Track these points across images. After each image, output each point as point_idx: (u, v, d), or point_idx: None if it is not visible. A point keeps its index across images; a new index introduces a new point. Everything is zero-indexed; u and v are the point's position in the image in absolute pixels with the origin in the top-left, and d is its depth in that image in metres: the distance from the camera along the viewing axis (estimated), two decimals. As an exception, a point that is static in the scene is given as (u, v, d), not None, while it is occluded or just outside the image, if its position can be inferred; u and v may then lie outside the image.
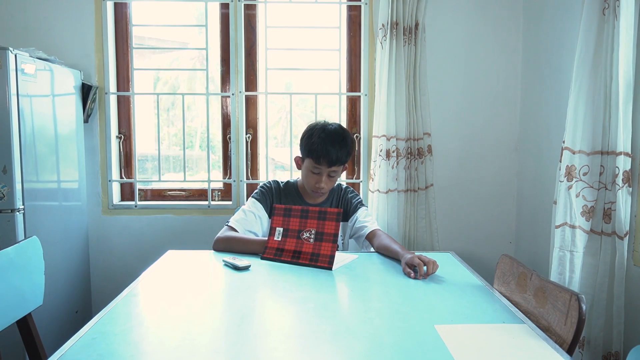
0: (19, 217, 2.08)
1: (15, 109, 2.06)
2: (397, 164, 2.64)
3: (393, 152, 2.63)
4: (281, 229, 1.92)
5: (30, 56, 2.20)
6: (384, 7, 2.59)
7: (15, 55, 2.05)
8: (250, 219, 2.08)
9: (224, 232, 2.02)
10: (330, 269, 1.76)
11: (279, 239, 1.90)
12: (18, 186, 2.07)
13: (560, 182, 1.94)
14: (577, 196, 1.90)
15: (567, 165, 1.91)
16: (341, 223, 2.15)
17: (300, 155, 2.12)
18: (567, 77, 2.08)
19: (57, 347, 1.15)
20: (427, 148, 2.71)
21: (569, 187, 1.90)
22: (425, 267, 1.68)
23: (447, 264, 1.89)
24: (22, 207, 2.10)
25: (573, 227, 1.90)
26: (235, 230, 2.03)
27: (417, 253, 1.78)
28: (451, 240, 2.83)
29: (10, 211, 2.05)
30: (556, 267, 1.94)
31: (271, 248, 1.88)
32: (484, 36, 2.79)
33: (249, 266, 1.76)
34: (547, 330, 1.37)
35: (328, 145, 1.98)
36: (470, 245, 2.83)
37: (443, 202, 2.82)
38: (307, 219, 1.92)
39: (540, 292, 1.47)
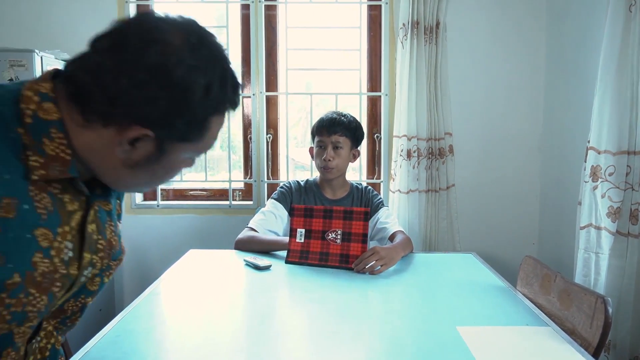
0: (45, 216, 2.12)
1: (41, 110, 2.09)
2: (418, 164, 2.63)
3: (414, 152, 2.61)
4: (303, 230, 1.87)
5: (56, 58, 2.24)
6: (404, 6, 2.57)
7: (41, 57, 2.09)
8: (270, 220, 2.09)
9: (244, 233, 2.03)
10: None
11: (302, 241, 1.86)
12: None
13: (585, 182, 1.91)
14: (602, 197, 1.86)
15: (592, 166, 1.87)
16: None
17: (312, 145, 2.19)
18: (592, 75, 2.04)
19: (82, 344, 1.17)
20: (448, 148, 2.68)
21: (594, 188, 1.87)
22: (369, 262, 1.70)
23: (469, 265, 1.88)
24: (48, 206, 2.14)
25: (598, 228, 1.87)
26: (256, 232, 2.04)
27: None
28: (473, 241, 2.79)
29: (36, 210, 2.09)
30: (581, 269, 1.91)
31: (295, 251, 1.84)
32: (506, 34, 2.75)
33: (270, 266, 1.76)
34: (572, 333, 1.34)
35: (326, 117, 2.13)
36: (492, 246, 2.80)
37: (464, 203, 2.79)
38: (331, 219, 1.87)
39: (564, 295, 1.45)
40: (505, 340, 1.21)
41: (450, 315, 1.35)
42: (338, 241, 1.83)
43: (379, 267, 1.71)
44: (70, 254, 0.79)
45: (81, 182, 0.80)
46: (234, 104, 0.83)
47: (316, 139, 2.14)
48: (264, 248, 1.95)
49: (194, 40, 0.75)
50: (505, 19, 2.74)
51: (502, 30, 2.74)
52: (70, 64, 0.77)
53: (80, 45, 2.73)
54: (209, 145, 0.84)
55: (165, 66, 0.72)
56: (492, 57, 2.76)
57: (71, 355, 1.14)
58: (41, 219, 0.73)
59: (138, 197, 2.87)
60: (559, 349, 1.17)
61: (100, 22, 2.78)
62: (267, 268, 1.75)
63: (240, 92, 0.83)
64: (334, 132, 2.08)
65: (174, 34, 0.75)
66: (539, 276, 1.61)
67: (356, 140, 2.15)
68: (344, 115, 2.14)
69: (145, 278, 2.52)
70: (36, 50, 2.06)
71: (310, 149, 2.20)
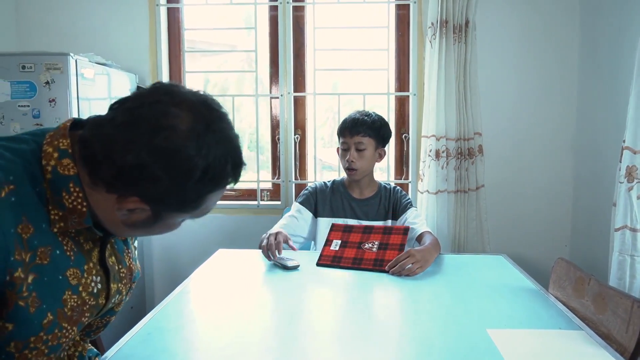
0: (79, 215, 2.17)
1: (76, 112, 2.15)
2: (447, 164, 2.60)
3: (443, 152, 2.59)
4: (339, 241, 1.91)
5: (90, 61, 2.29)
6: (433, 5, 2.55)
7: (76, 61, 2.14)
8: (294, 223, 2.10)
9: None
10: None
11: (336, 249, 1.87)
12: (78, 186, 2.16)
13: (620, 183, 1.85)
14: (638, 198, 1.81)
15: (628, 166, 1.82)
16: (390, 221, 2.14)
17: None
18: (627, 73, 1.99)
19: (114, 341, 1.20)
20: (477, 148, 2.65)
21: (630, 189, 1.82)
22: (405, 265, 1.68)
23: (499, 266, 1.85)
24: (82, 205, 2.19)
25: (634, 230, 1.82)
26: None
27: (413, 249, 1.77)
28: (503, 243, 2.75)
29: (70, 210, 2.14)
30: (615, 271, 1.86)
31: (327, 256, 1.85)
32: (537, 32, 2.70)
33: (298, 266, 1.76)
34: (607, 337, 1.31)
35: (349, 118, 2.10)
36: (523, 248, 2.75)
37: (494, 204, 2.75)
38: (370, 234, 1.92)
39: (599, 298, 1.42)
40: (537, 343, 1.18)
41: (481, 317, 1.33)
42: (374, 249, 1.83)
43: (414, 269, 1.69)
44: (100, 286, 0.88)
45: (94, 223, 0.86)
46: (233, 180, 0.86)
47: (340, 139, 2.13)
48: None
49: (201, 127, 0.79)
50: (536, 16, 2.69)
51: (533, 27, 2.70)
52: (89, 128, 0.81)
53: (112, 48, 2.81)
54: (204, 213, 0.88)
55: (169, 151, 0.76)
56: (523, 55, 2.71)
57: (104, 352, 1.17)
58: (71, 260, 0.82)
59: (168, 197, 2.92)
60: (594, 353, 1.14)
61: (132, 25, 2.85)
62: (295, 268, 1.76)
63: (243, 169, 0.87)
64: (357, 132, 2.06)
65: (183, 120, 0.78)
66: (572, 279, 1.58)
67: (381, 139, 2.12)
68: (368, 115, 2.11)
69: (175, 277, 2.55)
70: (71, 54, 2.11)
71: (338, 149, 2.19)
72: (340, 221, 2.11)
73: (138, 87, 2.72)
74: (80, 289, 0.83)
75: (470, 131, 2.63)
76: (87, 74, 2.23)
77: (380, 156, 2.15)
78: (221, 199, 2.88)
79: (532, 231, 2.79)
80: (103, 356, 1.12)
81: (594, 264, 2.46)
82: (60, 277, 0.79)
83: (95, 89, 2.33)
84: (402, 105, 2.88)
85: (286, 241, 1.87)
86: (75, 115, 2.13)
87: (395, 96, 2.86)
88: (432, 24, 2.56)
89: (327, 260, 1.83)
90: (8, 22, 2.79)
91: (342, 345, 1.20)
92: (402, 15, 2.82)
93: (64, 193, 0.78)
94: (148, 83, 2.81)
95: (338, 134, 2.14)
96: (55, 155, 0.79)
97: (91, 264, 0.86)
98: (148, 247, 2.90)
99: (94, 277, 0.86)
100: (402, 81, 2.86)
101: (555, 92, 2.73)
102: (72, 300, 0.82)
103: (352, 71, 2.91)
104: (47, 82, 2.08)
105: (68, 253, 0.81)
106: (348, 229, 1.97)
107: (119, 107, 0.80)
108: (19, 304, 0.73)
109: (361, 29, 2.87)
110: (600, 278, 1.51)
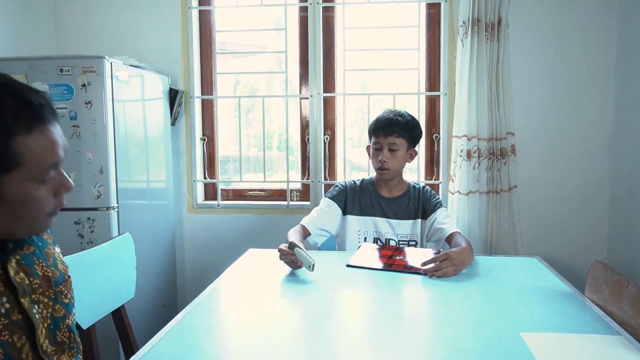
0: (114, 214, 2.22)
1: (111, 113, 2.20)
2: (479, 164, 2.56)
3: (474, 152, 2.55)
4: (371, 252, 1.93)
5: (124, 64, 2.34)
6: (464, 3, 2.52)
7: (111, 63, 2.19)
8: (322, 218, 2.09)
9: (292, 229, 2.02)
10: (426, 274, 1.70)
11: (367, 258, 1.87)
12: (112, 186, 2.21)
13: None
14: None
15: (669, 166, 1.76)
16: (420, 220, 2.13)
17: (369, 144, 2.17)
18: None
19: (147, 339, 1.22)
20: (510, 148, 2.60)
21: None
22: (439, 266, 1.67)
23: (533, 269, 1.81)
24: (116, 205, 2.24)
25: (675, 233, 1.75)
26: (307, 230, 2.04)
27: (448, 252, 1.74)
28: (536, 245, 2.70)
29: (105, 209, 2.20)
30: (655, 275, 1.80)
31: (358, 259, 1.85)
32: (573, 30, 2.63)
33: (313, 265, 1.69)
34: (646, 343, 1.27)
35: (383, 118, 2.09)
36: (557, 251, 2.69)
37: (528, 205, 2.69)
38: (402, 251, 1.95)
39: (638, 302, 1.37)
40: (573, 348, 1.16)
41: (514, 320, 1.31)
42: (405, 259, 1.85)
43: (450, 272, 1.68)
44: (8, 305, 0.88)
45: None
46: (36, 117, 0.84)
47: (373, 139, 2.11)
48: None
49: None
50: (572, 14, 2.62)
51: (568, 25, 2.63)
52: None
53: (146, 50, 2.86)
54: (42, 164, 0.86)
55: None
56: (558, 54, 2.65)
57: (137, 349, 1.19)
58: None
59: (199, 196, 2.96)
60: (633, 359, 1.10)
61: (164, 27, 2.90)
62: (310, 267, 1.68)
63: (34, 95, 0.84)
64: (390, 133, 2.05)
65: None
66: (610, 282, 1.53)
67: (413, 140, 2.11)
68: (401, 115, 2.09)
69: (206, 275, 2.58)
70: (106, 57, 2.16)
71: (368, 148, 2.18)
72: (369, 219, 2.11)
73: (171, 89, 2.78)
74: None
75: (503, 131, 2.59)
76: (121, 76, 2.28)
77: (412, 156, 2.14)
78: (251, 199, 2.91)
79: (567, 233, 2.72)
80: (136, 353, 1.14)
81: (632, 267, 2.38)
82: None
83: (129, 91, 2.38)
84: (432, 105, 2.85)
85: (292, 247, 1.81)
86: (111, 117, 2.18)
87: (426, 96, 2.84)
88: (464, 22, 2.53)
89: (357, 262, 1.83)
90: (47, 27, 2.88)
91: (371, 347, 1.19)
92: (433, 14, 2.79)
93: None
94: (180, 85, 2.86)
95: (370, 133, 2.13)
96: None
97: None
98: (180, 247, 2.95)
99: (0, 299, 0.88)
100: (432, 81, 2.83)
101: (591, 91, 2.66)
102: None
103: (381, 71, 2.90)
104: (84, 85, 2.13)
105: None
106: (380, 247, 2.02)
107: None
108: None
109: (391, 28, 2.85)
110: (639, 281, 1.46)
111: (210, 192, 3.03)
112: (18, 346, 0.89)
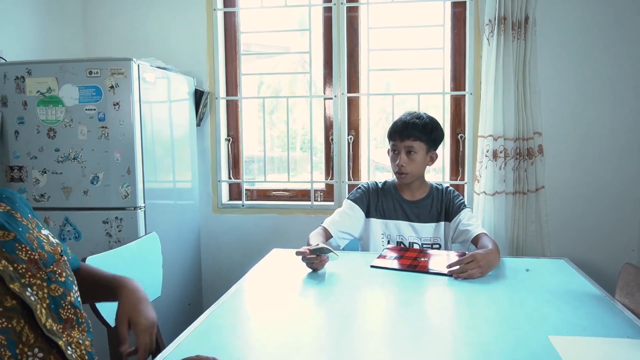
0: (140, 214, 2.26)
1: (138, 115, 2.23)
2: (505, 164, 2.52)
3: (500, 152, 2.52)
4: (394, 254, 1.91)
5: (151, 65, 2.37)
6: (491, 2, 2.49)
7: (138, 65, 2.22)
8: (344, 221, 2.08)
9: (313, 232, 2.01)
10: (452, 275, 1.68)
11: (391, 259, 1.86)
12: (140, 186, 2.25)
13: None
14: None
15: None
16: (443, 223, 2.10)
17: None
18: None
19: (173, 336, 1.24)
20: (537, 148, 2.56)
21: None
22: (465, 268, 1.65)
23: (561, 271, 1.78)
24: (143, 205, 2.27)
25: None
26: (328, 232, 2.02)
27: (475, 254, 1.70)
28: (565, 247, 2.64)
29: (132, 209, 2.23)
30: (690, 279, 1.75)
31: (382, 260, 1.84)
32: (603, 26, 2.57)
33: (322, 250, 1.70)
34: (680, 348, 1.23)
35: (400, 121, 2.04)
36: (586, 252, 2.63)
37: (555, 206, 2.65)
38: (426, 253, 1.93)
39: (671, 306, 1.34)
40: (603, 352, 1.13)
41: (542, 323, 1.29)
42: (429, 261, 1.83)
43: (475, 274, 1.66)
44: None
45: None
46: None
47: (390, 142, 2.07)
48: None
49: None
50: (602, 10, 2.57)
51: (598, 21, 2.58)
52: None
53: (172, 52, 2.90)
54: None
55: None
56: (587, 52, 2.60)
57: (164, 347, 1.20)
58: None
59: (224, 197, 2.99)
60: (666, 365, 1.07)
61: (190, 29, 2.94)
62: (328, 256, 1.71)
63: None
64: (407, 136, 2.00)
65: None
66: (641, 285, 1.50)
67: (433, 142, 2.05)
68: (419, 117, 2.03)
69: (231, 274, 2.60)
70: (133, 59, 2.19)
71: (388, 151, 2.15)
72: (391, 223, 2.09)
73: (196, 90, 2.81)
74: None
75: (530, 131, 2.55)
76: (148, 78, 2.32)
77: (432, 159, 2.09)
78: (275, 199, 2.94)
79: (597, 235, 2.66)
80: (162, 351, 1.16)
81: (664, 271, 2.32)
82: None
83: (155, 93, 2.41)
84: (457, 105, 2.82)
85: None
86: (138, 118, 2.22)
87: (451, 96, 2.81)
88: (490, 21, 2.50)
89: (381, 263, 1.82)
90: (77, 30, 2.94)
91: (396, 348, 1.18)
92: (458, 13, 2.77)
93: None
94: (205, 86, 2.89)
95: (388, 137, 2.09)
96: None
97: None
98: (205, 246, 2.98)
99: None
100: (457, 80, 2.80)
101: (621, 90, 2.59)
102: None
103: (405, 71, 2.88)
104: (112, 87, 2.17)
105: None
106: (404, 249, 1.99)
107: None
108: None
109: (416, 28, 2.83)
110: (672, 285, 1.42)
111: (235, 192, 3.06)
112: (18, 330, 0.93)
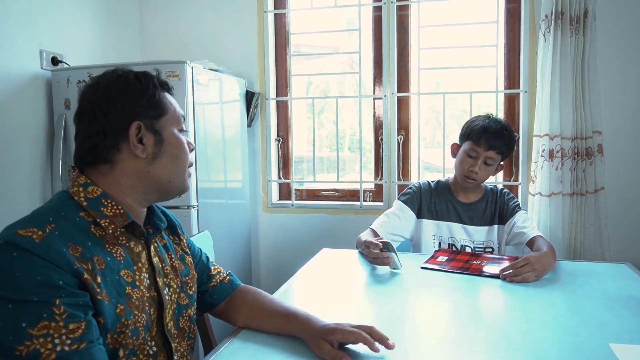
0: (194, 213, 2.31)
1: (192, 116, 2.29)
2: (562, 164, 2.44)
3: (557, 152, 2.43)
4: (445, 257, 1.87)
5: (204, 68, 2.43)
6: (547, -4, 2.41)
7: (192, 68, 2.28)
8: (394, 222, 2.05)
9: (363, 233, 1.98)
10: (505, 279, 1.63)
11: (442, 261, 1.83)
12: (193, 185, 2.31)
13: None
14: None
15: None
16: (497, 226, 2.05)
17: (458, 142, 2.07)
18: None
19: (224, 334, 1.26)
20: (597, 147, 2.45)
21: None
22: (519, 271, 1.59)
23: (622, 276, 1.70)
24: (196, 204, 2.33)
25: None
26: (377, 234, 1.97)
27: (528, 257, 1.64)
28: (626, 251, 2.53)
29: (186, 207, 2.29)
30: None
31: (433, 262, 1.82)
32: (668, 20, 2.45)
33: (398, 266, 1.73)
34: None
35: (490, 128, 1.95)
36: (649, 257, 2.50)
37: (616, 208, 2.53)
38: (479, 257, 1.88)
39: None
40: (669, 362, 1.07)
41: (602, 330, 1.23)
42: (482, 264, 1.78)
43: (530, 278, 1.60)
44: (149, 281, 1.06)
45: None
46: (163, 87, 1.12)
47: (469, 145, 1.98)
48: (362, 249, 1.86)
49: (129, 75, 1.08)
50: (667, 3, 2.44)
51: (663, 15, 2.45)
52: (74, 159, 1.07)
53: (224, 54, 2.94)
54: (177, 113, 1.11)
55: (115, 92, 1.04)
56: (651, 46, 2.47)
57: (216, 345, 1.23)
58: (121, 263, 1.00)
59: (274, 196, 3.03)
60: None
61: (241, 32, 2.97)
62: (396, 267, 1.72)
63: (157, 81, 1.10)
64: (493, 147, 1.94)
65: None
66: None
67: (507, 155, 2.04)
68: (506, 129, 1.97)
69: (280, 273, 2.64)
70: (187, 61, 2.25)
71: (454, 147, 2.09)
72: (443, 224, 2.05)
73: (247, 92, 2.86)
74: (137, 283, 1.02)
75: (589, 129, 2.44)
76: (201, 80, 2.37)
77: (497, 170, 2.06)
78: (324, 199, 2.94)
79: (661, 239, 2.53)
80: (214, 349, 1.18)
81: None
82: (117, 277, 0.98)
83: (208, 94, 2.47)
84: (511, 103, 2.75)
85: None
86: (192, 119, 2.28)
87: (504, 94, 2.74)
88: (546, 16, 2.41)
89: (433, 264, 1.79)
90: (133, 35, 3.05)
91: (447, 351, 1.17)
92: (513, 9, 2.69)
93: (101, 207, 1.00)
94: (256, 87, 2.93)
95: (467, 137, 2.00)
96: (81, 189, 1.01)
97: (140, 264, 1.04)
98: (255, 245, 3.02)
99: (145, 274, 1.04)
100: (511, 78, 2.73)
101: (690, 85, 2.45)
102: (135, 293, 1.00)
103: (456, 69, 2.83)
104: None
105: (118, 258, 1.00)
106: (455, 252, 1.95)
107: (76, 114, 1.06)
108: (98, 298, 0.92)
109: (468, 25, 2.77)
110: None
111: (285, 192, 3.09)
112: (152, 319, 1.04)
